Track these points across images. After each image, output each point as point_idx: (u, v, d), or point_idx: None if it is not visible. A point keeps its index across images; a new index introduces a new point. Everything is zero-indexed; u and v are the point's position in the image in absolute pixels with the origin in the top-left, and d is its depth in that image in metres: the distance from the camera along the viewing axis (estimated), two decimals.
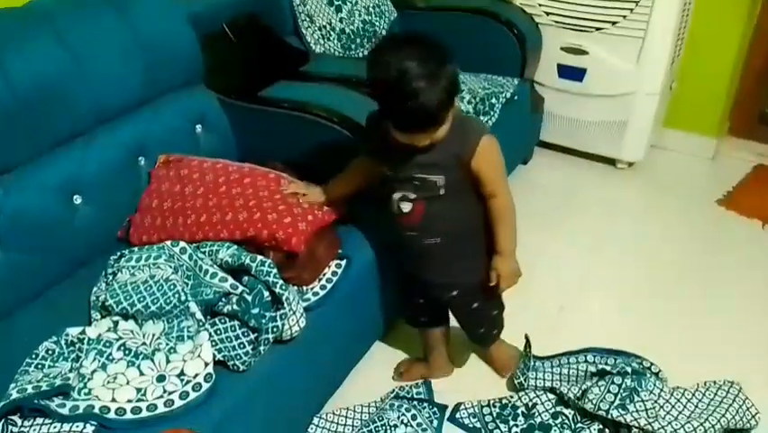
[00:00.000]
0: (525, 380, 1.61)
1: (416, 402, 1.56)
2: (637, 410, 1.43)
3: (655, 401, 1.47)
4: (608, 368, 1.58)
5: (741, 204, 2.33)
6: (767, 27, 2.45)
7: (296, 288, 1.34)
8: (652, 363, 1.61)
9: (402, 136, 1.22)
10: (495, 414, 1.54)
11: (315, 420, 1.53)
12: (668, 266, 2.07)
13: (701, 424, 1.42)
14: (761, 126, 2.66)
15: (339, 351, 1.51)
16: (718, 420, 1.43)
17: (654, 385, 1.51)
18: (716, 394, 1.51)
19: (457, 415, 1.55)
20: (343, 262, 1.44)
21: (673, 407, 1.48)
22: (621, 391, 1.48)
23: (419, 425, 1.50)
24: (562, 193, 2.47)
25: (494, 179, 1.31)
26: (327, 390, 1.55)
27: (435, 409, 1.57)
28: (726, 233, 2.21)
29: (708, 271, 2.03)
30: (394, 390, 1.64)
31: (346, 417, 1.56)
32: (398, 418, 1.50)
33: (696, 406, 1.49)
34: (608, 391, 1.49)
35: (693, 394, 1.52)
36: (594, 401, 1.47)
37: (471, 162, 1.27)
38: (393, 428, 1.47)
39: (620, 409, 1.44)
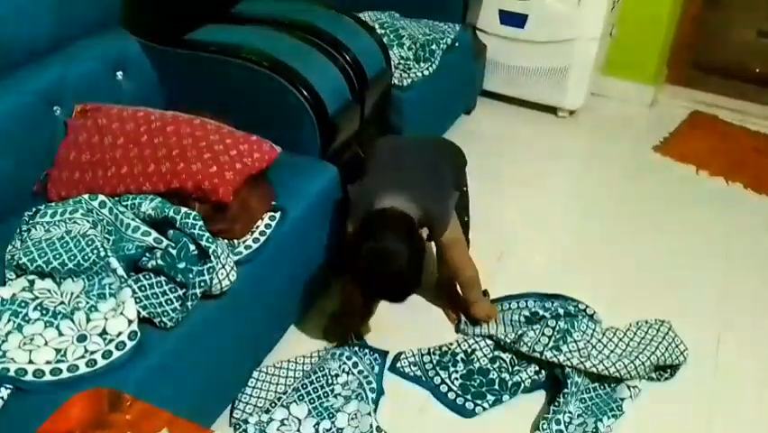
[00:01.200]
0: (465, 325, 1.62)
1: (356, 349, 1.56)
2: (570, 351, 1.46)
3: (588, 342, 1.50)
4: (544, 312, 1.61)
5: (676, 150, 2.38)
6: None
7: (226, 241, 1.28)
8: (587, 306, 1.65)
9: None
10: (435, 361, 1.55)
11: (255, 374, 1.50)
12: (606, 211, 2.10)
13: (632, 361, 1.46)
14: (697, 73, 2.71)
15: (274, 306, 1.47)
16: (648, 357, 1.47)
17: (587, 326, 1.54)
18: (647, 333, 1.56)
19: (398, 364, 1.55)
20: (278, 215, 1.39)
21: (605, 346, 1.51)
22: (555, 333, 1.51)
23: (360, 372, 1.49)
24: (504, 142, 2.46)
25: (459, 264, 1.56)
26: (263, 345, 1.52)
27: (377, 355, 1.56)
28: (662, 178, 2.26)
29: (643, 215, 2.08)
30: None
31: (288, 369, 1.54)
32: (339, 367, 1.49)
33: (627, 345, 1.53)
34: (543, 334, 1.51)
35: (625, 333, 1.56)
36: (529, 344, 1.50)
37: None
38: (334, 377, 1.46)
39: (554, 351, 1.46)
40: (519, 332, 1.55)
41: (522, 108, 2.59)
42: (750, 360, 1.59)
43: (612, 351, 1.51)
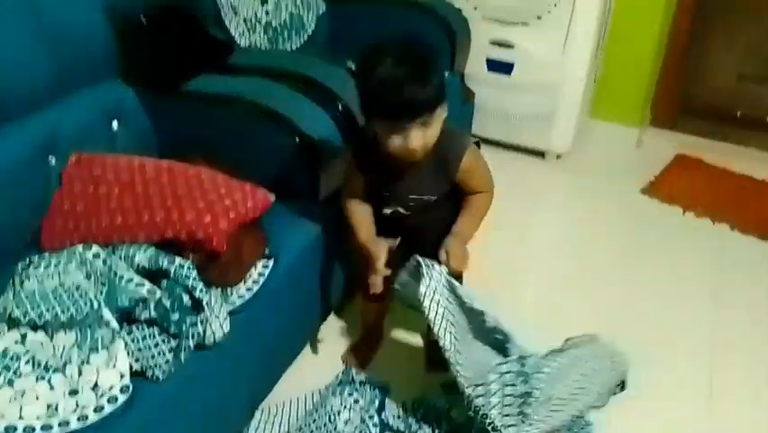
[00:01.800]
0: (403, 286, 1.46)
1: (357, 385, 1.55)
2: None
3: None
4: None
5: (663, 191, 2.42)
6: (684, 22, 2.55)
7: (219, 290, 1.29)
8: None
9: (393, 142, 1.21)
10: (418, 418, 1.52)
11: (258, 414, 1.50)
12: (594, 253, 2.13)
13: (589, 397, 1.41)
14: (681, 116, 2.78)
15: (270, 352, 1.46)
16: (602, 384, 1.44)
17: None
18: (587, 363, 1.46)
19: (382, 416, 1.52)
20: (271, 262, 1.40)
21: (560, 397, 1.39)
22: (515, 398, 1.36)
23: (362, 408, 1.49)
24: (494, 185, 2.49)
25: (477, 184, 1.39)
26: (260, 390, 1.51)
27: (377, 389, 1.56)
28: (650, 219, 2.29)
29: (632, 256, 2.11)
30: (337, 375, 1.62)
31: (290, 407, 1.54)
32: (341, 403, 1.49)
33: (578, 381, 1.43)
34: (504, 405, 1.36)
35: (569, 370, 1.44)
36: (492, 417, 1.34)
37: (457, 177, 1.35)
38: (336, 414, 1.46)
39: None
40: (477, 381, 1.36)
41: (511, 152, 2.64)
42: (744, 402, 1.60)
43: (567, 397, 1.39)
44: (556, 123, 2.45)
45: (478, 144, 1.49)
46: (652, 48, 2.51)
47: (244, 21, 2.11)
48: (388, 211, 1.44)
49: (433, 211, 1.43)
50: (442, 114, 1.23)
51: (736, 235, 2.21)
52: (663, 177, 2.52)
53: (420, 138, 1.21)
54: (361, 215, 1.45)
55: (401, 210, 1.44)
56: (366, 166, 1.39)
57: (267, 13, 2.19)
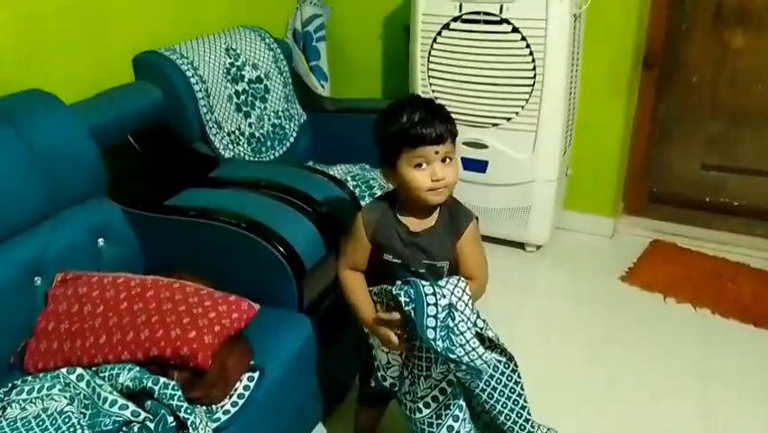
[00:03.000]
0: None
1: None
2: None
3: None
4: None
5: (642, 279, 2.47)
6: (645, 114, 2.70)
7: (204, 408, 1.28)
8: None
9: (417, 178, 1.28)
10: None
11: None
12: (578, 343, 2.14)
13: None
14: (652, 204, 2.88)
15: None
16: None
17: None
18: None
19: None
20: (256, 374, 1.39)
21: None
22: None
23: None
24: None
25: (476, 263, 1.39)
26: None
27: None
28: (631, 307, 2.32)
29: (616, 345, 2.12)
30: None
31: None
32: None
33: None
34: None
35: None
36: None
37: (458, 244, 1.36)
38: None
39: None
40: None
41: (491, 244, 2.69)
42: None
43: None
44: (533, 217, 2.53)
45: None
46: (617, 146, 2.64)
47: (228, 134, 2.21)
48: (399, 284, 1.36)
49: None
50: (457, 158, 1.34)
51: (718, 320, 2.24)
52: (641, 264, 2.57)
53: (444, 170, 1.29)
54: (360, 291, 1.42)
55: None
56: (378, 233, 1.38)
57: (250, 125, 2.30)
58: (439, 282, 1.33)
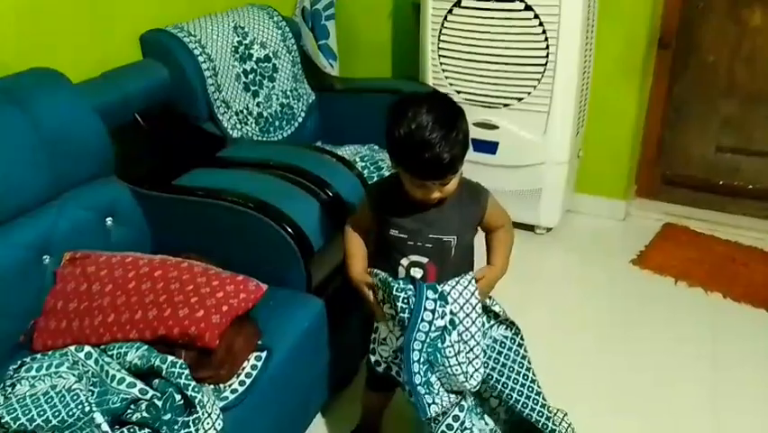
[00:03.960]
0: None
1: None
2: None
3: None
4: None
5: (653, 262, 2.44)
6: (660, 96, 2.66)
7: (212, 387, 1.28)
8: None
9: (415, 190, 1.28)
10: None
11: None
12: (591, 327, 2.12)
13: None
14: (665, 187, 2.84)
15: None
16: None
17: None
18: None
19: None
20: (263, 354, 1.39)
21: None
22: None
23: None
24: (485, 261, 2.50)
25: (503, 222, 1.45)
26: None
27: None
28: (643, 291, 2.30)
29: (628, 329, 2.10)
30: None
31: None
32: None
33: None
34: None
35: None
36: None
37: (484, 220, 1.40)
38: None
39: None
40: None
41: None
42: None
43: None
44: (543, 199, 2.50)
45: None
46: (630, 128, 2.60)
47: (236, 114, 2.19)
48: (405, 262, 1.35)
49: (450, 265, 1.36)
50: (461, 169, 1.29)
51: (730, 304, 2.21)
52: (653, 247, 2.55)
53: (440, 192, 1.28)
54: (357, 246, 1.46)
55: (419, 259, 1.35)
56: (384, 206, 1.37)
57: (258, 105, 2.28)
58: (446, 286, 1.32)
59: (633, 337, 2.06)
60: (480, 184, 1.42)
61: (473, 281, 1.36)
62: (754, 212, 2.67)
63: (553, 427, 1.44)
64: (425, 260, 1.35)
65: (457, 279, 1.34)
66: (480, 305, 1.35)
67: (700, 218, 2.70)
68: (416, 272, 1.35)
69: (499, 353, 1.41)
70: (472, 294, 1.34)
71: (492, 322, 1.43)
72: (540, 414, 1.42)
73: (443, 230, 1.34)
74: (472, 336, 1.34)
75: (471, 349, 1.34)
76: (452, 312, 1.32)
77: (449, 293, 1.32)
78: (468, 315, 1.33)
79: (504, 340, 1.41)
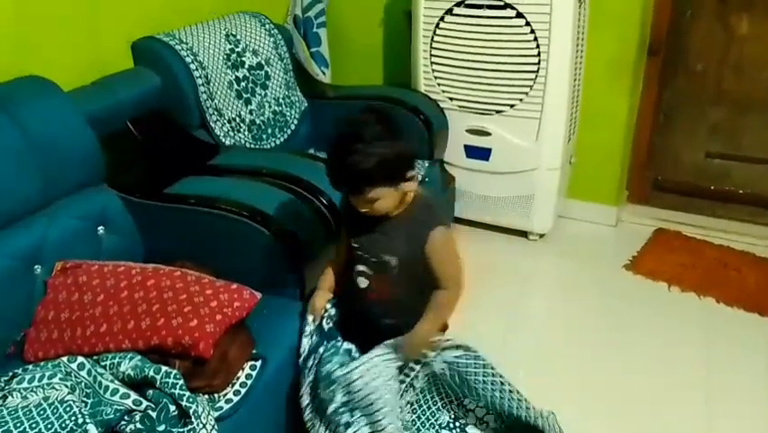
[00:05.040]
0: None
1: None
2: None
3: None
4: None
5: (646, 267, 2.45)
6: (650, 102, 2.68)
7: (206, 397, 1.26)
8: None
9: (350, 197, 1.31)
10: None
11: None
12: (585, 333, 2.12)
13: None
14: (656, 193, 2.86)
15: None
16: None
17: None
18: None
19: None
20: (258, 363, 1.38)
21: None
22: None
23: None
24: (479, 267, 2.51)
25: (442, 272, 1.35)
26: None
27: None
28: (636, 296, 2.31)
29: (622, 334, 2.10)
30: None
31: None
32: None
33: None
34: None
35: None
36: None
37: (425, 249, 1.33)
38: None
39: None
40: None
41: (494, 233, 2.68)
42: None
43: None
44: (536, 205, 2.51)
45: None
46: (621, 134, 2.62)
47: (229, 121, 2.18)
48: (358, 269, 1.42)
49: (395, 286, 1.39)
50: (386, 192, 1.28)
51: (722, 308, 2.22)
52: (645, 253, 2.56)
53: (364, 205, 1.30)
54: (326, 274, 1.53)
55: (366, 270, 1.41)
56: (349, 218, 1.41)
57: (251, 112, 2.27)
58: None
59: (626, 342, 2.06)
60: (441, 215, 1.38)
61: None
62: (745, 217, 2.69)
63: (542, 420, 1.43)
64: (371, 272, 1.41)
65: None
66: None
67: (692, 223, 2.72)
68: (362, 282, 1.42)
69: (458, 365, 1.41)
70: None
71: (436, 353, 1.42)
72: (527, 409, 1.42)
73: (384, 249, 1.37)
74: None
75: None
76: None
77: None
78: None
79: (456, 359, 1.41)
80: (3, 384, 1.28)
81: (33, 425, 1.14)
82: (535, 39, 2.24)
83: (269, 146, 2.31)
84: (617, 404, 1.81)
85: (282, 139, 2.39)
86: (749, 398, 1.83)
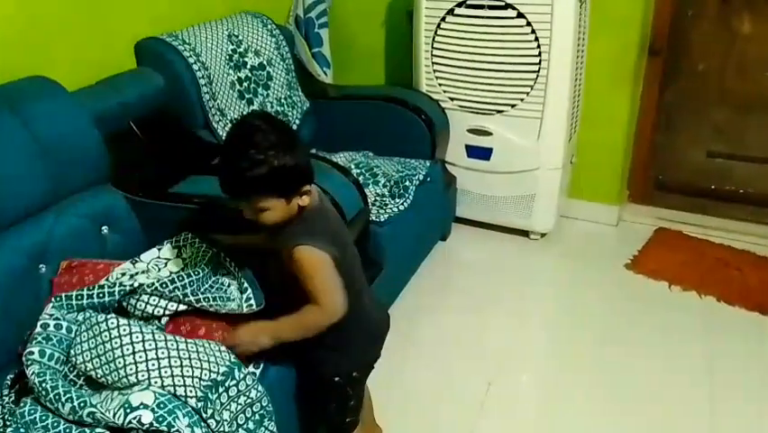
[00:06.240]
0: None
1: None
2: None
3: None
4: None
5: (647, 267, 2.46)
6: (651, 102, 2.68)
7: None
8: None
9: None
10: None
11: None
12: (587, 332, 2.14)
13: None
14: (657, 192, 2.86)
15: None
16: None
17: None
18: None
19: None
20: (261, 364, 1.38)
21: None
22: None
23: None
24: (481, 267, 2.53)
25: (312, 292, 1.25)
26: None
27: None
28: (638, 296, 2.31)
29: (624, 333, 2.12)
30: None
31: None
32: None
33: None
34: None
35: None
36: None
37: (289, 267, 1.27)
38: None
39: None
40: None
41: (495, 232, 2.69)
42: None
43: None
44: (537, 205, 2.52)
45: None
46: (622, 133, 2.62)
47: (231, 121, 2.19)
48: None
49: (271, 286, 1.37)
50: (277, 202, 1.22)
51: (724, 307, 2.23)
52: (646, 252, 2.56)
53: (250, 214, 1.25)
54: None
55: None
56: None
57: None
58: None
59: (628, 340, 2.07)
60: (306, 238, 1.25)
61: None
62: (746, 216, 2.69)
63: None
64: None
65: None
66: None
67: (693, 223, 2.72)
68: None
69: None
70: None
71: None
72: None
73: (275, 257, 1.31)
74: None
75: None
76: None
77: None
78: None
79: None
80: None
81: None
82: (536, 39, 2.24)
83: None
84: (619, 402, 1.82)
85: None
86: (750, 395, 1.83)
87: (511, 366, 1.99)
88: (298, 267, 1.24)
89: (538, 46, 2.25)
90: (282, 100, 2.40)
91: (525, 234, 2.66)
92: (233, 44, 2.23)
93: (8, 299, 1.42)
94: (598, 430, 1.70)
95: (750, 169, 2.66)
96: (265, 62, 2.34)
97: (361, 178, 2.13)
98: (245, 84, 2.25)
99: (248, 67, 2.27)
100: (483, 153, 2.50)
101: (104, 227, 1.66)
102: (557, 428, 1.73)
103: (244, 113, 2.24)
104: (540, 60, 2.27)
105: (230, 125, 2.17)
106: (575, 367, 1.98)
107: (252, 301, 1.32)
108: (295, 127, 2.44)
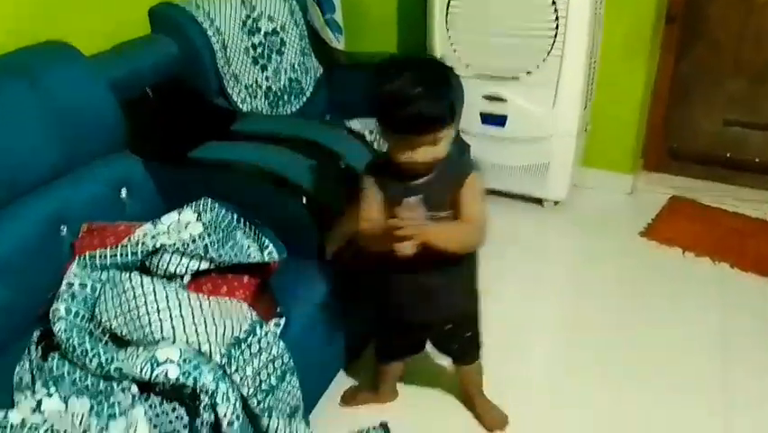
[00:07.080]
0: None
1: None
2: None
3: None
4: None
5: (661, 234, 2.46)
6: (667, 70, 2.65)
7: None
8: None
9: (400, 153, 1.24)
10: None
11: None
12: (599, 297, 2.14)
13: None
14: (671, 161, 2.84)
15: None
16: None
17: None
18: None
19: None
20: (282, 321, 1.41)
21: None
22: None
23: None
24: (494, 234, 2.50)
25: (474, 213, 1.31)
26: None
27: None
28: (652, 262, 2.32)
29: (639, 299, 2.12)
30: None
31: None
32: None
33: None
34: None
35: None
36: None
37: (459, 193, 1.30)
38: None
39: None
40: None
41: (508, 200, 2.68)
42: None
43: None
44: (551, 173, 2.51)
45: None
46: (637, 102, 2.59)
47: (246, 87, 2.19)
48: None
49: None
50: (449, 133, 1.25)
51: (737, 273, 2.23)
52: (660, 219, 2.56)
53: (426, 154, 1.24)
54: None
55: None
56: (383, 188, 1.34)
57: (267, 78, 2.28)
58: None
59: (642, 307, 2.08)
60: (473, 163, 1.34)
61: None
62: (761, 185, 2.68)
63: None
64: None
65: None
66: None
67: (708, 191, 2.71)
68: (408, 249, 1.25)
69: None
70: None
71: None
72: None
73: (436, 206, 1.30)
74: None
75: None
76: None
77: None
78: None
79: None
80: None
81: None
82: (554, 3, 2.21)
83: (285, 112, 2.32)
84: (634, 370, 1.82)
85: (298, 106, 2.39)
86: (764, 361, 1.84)
87: (523, 333, 2.00)
88: (475, 193, 1.31)
89: (555, 11, 2.22)
90: (296, 66, 2.39)
91: (538, 201, 2.66)
92: (246, 10, 2.21)
93: (29, 262, 1.44)
94: (610, 398, 1.71)
95: (766, 137, 2.64)
96: (279, 28, 2.32)
97: (375, 144, 2.12)
98: (259, 50, 2.24)
99: (262, 32, 2.25)
100: (498, 121, 2.48)
101: (122, 191, 1.68)
102: (569, 397, 1.75)
103: (258, 78, 2.23)
104: (557, 26, 2.24)
105: (244, 91, 2.17)
106: (588, 333, 1.99)
107: (274, 253, 1.34)
108: (308, 94, 2.43)
